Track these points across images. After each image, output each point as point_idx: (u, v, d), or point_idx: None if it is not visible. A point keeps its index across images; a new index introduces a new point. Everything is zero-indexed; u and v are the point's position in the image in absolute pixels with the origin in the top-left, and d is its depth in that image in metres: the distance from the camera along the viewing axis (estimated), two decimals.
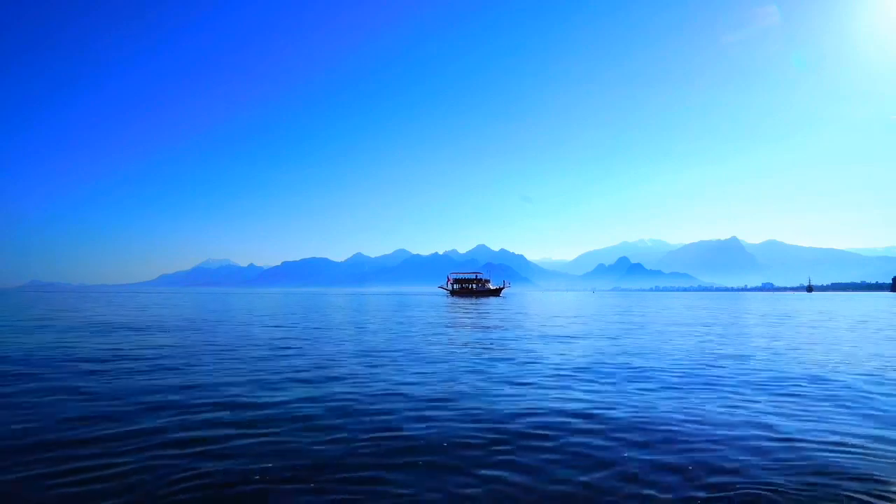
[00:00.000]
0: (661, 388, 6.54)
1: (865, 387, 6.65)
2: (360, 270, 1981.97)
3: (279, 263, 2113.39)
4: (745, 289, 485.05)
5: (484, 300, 51.80)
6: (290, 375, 7.39)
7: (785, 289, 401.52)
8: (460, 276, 75.37)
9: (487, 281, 74.33)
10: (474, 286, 73.41)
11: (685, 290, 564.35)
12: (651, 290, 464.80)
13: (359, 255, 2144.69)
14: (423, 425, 4.69)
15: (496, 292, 73.79)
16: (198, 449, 4.05)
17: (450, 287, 75.18)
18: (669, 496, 3.18)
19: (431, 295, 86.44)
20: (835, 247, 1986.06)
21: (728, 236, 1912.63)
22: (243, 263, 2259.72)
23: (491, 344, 11.63)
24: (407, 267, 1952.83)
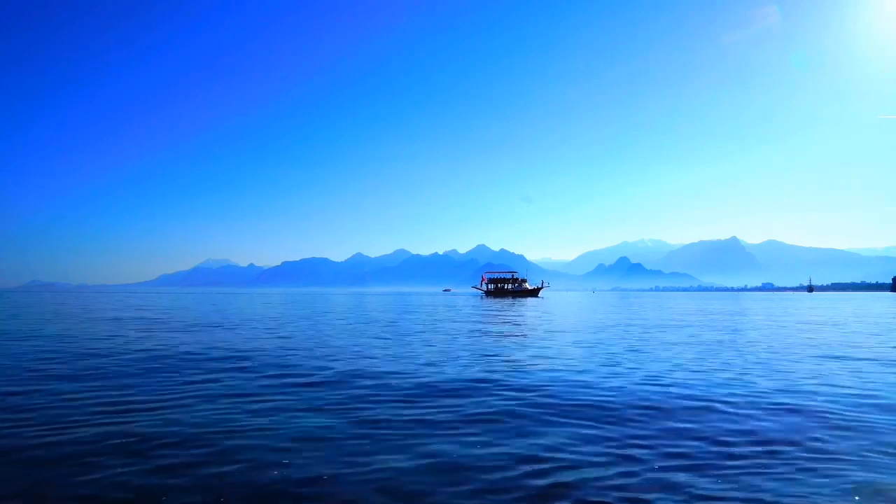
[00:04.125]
0: None
1: None
2: (360, 270, 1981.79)
3: (279, 263, 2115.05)
4: (745, 289, 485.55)
5: (522, 301, 47.63)
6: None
7: (785, 289, 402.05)
8: (495, 275, 72.02)
9: (524, 280, 70.27)
10: (510, 286, 69.72)
11: (685, 290, 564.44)
12: (651, 290, 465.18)
13: (359, 255, 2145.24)
14: None
15: (534, 292, 69.43)
16: None
17: (485, 287, 72.03)
18: None
19: (445, 295, 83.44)
20: (835, 247, 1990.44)
21: (728, 236, 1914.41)
22: (243, 263, 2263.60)
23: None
24: (407, 267, 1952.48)
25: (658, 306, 35.07)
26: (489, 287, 71.50)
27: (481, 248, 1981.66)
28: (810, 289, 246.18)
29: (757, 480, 3.46)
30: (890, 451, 4.08)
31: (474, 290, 79.46)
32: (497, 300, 50.02)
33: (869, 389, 6.53)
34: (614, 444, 4.20)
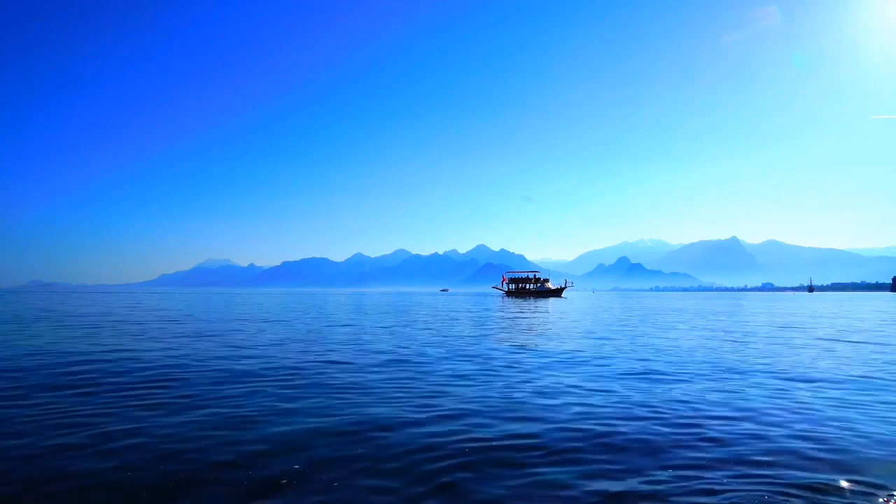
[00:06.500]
0: None
1: None
2: (360, 270, 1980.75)
3: (279, 263, 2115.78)
4: (745, 289, 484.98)
5: (544, 301, 45.90)
6: None
7: (785, 289, 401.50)
8: (516, 275, 71.45)
9: (547, 280, 69.10)
10: (532, 286, 68.74)
11: (685, 290, 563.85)
12: (651, 290, 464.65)
13: (359, 255, 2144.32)
14: None
15: (557, 292, 67.76)
16: None
17: (505, 287, 71.37)
18: None
19: (447, 295, 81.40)
20: (835, 247, 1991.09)
21: (728, 236, 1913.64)
22: (243, 263, 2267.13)
23: None
24: (407, 267, 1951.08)
25: (702, 310, 27.91)
26: (510, 287, 71.02)
27: (481, 248, 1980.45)
28: (810, 289, 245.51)
29: None
30: None
31: (494, 289, 78.98)
32: (521, 300, 48.62)
33: None
34: None
